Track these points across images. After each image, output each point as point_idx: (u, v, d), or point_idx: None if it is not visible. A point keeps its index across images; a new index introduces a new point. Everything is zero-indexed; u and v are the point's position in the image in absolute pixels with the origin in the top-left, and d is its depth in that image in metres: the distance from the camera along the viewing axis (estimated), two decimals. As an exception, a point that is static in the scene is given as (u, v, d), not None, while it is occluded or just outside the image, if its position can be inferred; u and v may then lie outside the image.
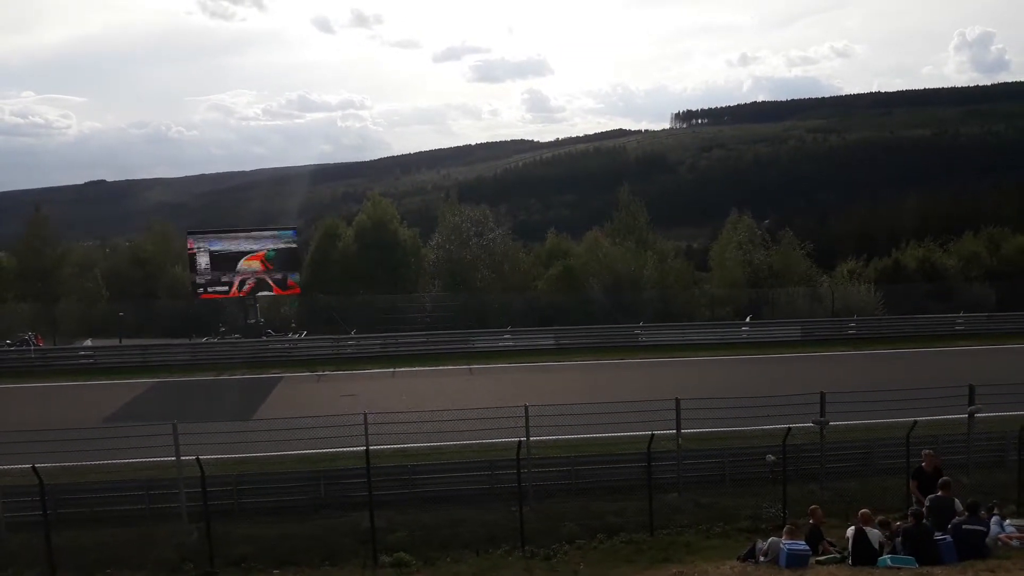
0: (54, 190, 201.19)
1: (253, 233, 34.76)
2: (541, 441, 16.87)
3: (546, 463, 17.03)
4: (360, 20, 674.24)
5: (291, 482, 16.78)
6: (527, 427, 15.83)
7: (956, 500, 12.63)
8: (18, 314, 37.49)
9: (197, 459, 13.89)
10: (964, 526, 11.96)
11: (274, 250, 34.07)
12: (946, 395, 16.30)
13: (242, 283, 33.76)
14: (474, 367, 29.28)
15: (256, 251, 33.85)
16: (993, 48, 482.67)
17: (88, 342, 34.63)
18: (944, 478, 13.12)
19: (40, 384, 27.79)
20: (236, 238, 34.14)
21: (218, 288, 33.94)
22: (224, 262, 33.70)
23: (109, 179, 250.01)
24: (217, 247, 33.73)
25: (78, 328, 38.02)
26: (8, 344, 32.95)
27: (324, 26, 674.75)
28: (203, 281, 33.82)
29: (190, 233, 35.04)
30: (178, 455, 14.92)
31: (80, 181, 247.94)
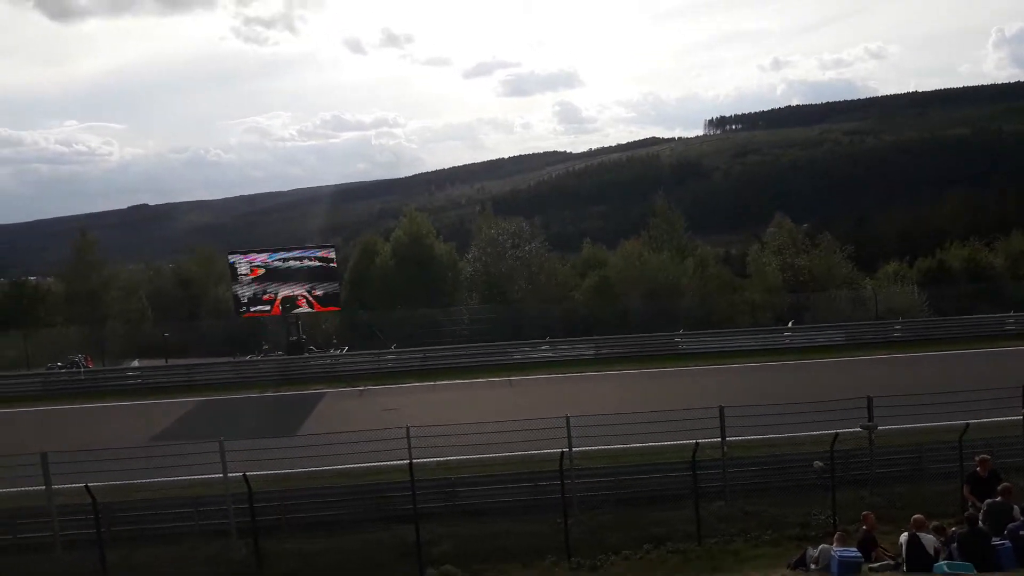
0: (99, 215, 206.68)
1: (292, 251, 35.22)
2: (584, 452, 16.74)
3: (589, 473, 16.92)
4: (391, 40, 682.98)
5: (336, 497, 16.87)
6: (569, 438, 15.75)
7: (1015, 507, 12.27)
8: (67, 337, 38.36)
9: (244, 475, 14.09)
10: (1022, 532, 11.62)
11: (313, 266, 34.44)
12: (998, 396, 15.88)
13: (284, 301, 34.18)
14: (514, 379, 29.24)
15: (296, 268, 34.27)
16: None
17: (135, 362, 35.27)
18: (1005, 484, 12.75)
19: (90, 404, 28.35)
20: (276, 256, 34.59)
21: (260, 307, 34.41)
22: (265, 281, 34.17)
23: (151, 203, 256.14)
24: (258, 266, 34.21)
25: (125, 349, 38.74)
26: (59, 366, 33.72)
27: (355, 47, 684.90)
28: (245, 300, 34.32)
29: (231, 253, 35.58)
30: (225, 472, 15.12)
31: (124, 206, 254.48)
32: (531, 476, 16.68)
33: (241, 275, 34.20)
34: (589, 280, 43.14)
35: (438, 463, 17.52)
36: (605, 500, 16.60)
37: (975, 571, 10.94)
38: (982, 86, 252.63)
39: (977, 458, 13.93)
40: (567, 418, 15.81)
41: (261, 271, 34.21)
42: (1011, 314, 34.02)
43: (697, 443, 14.84)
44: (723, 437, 16.15)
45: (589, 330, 35.50)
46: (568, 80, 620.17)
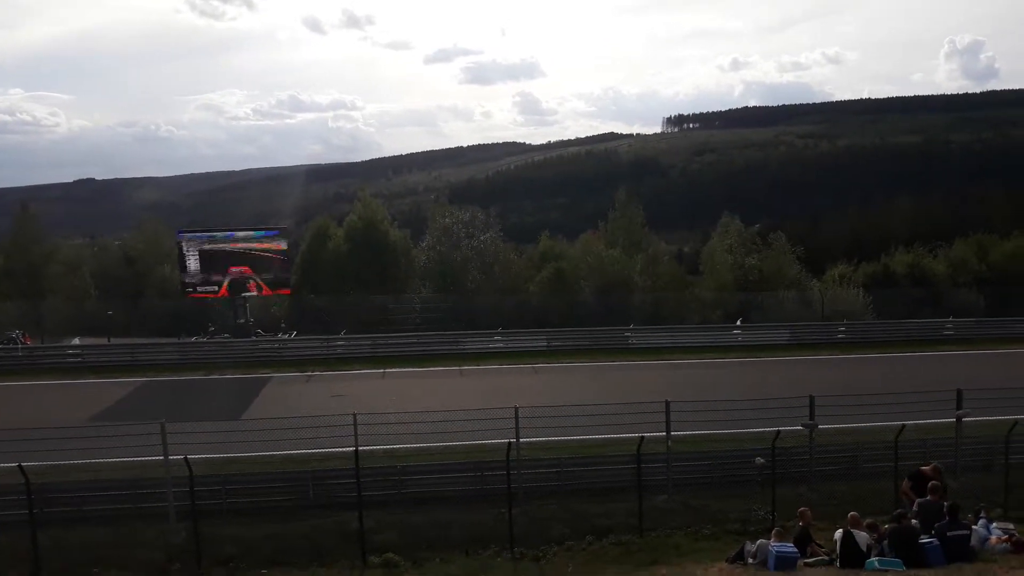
0: (43, 188, 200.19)
1: (243, 232, 34.61)
2: (531, 443, 16.81)
3: (535, 465, 16.98)
4: (351, 21, 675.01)
5: (279, 482, 16.69)
6: (517, 428, 15.77)
7: (945, 504, 12.64)
8: (5, 312, 37.20)
9: (185, 459, 13.83)
10: (948, 532, 11.98)
11: (264, 249, 33.90)
12: (935, 399, 16.30)
13: (231, 283, 33.58)
14: (464, 368, 29.22)
15: (246, 250, 33.68)
16: (983, 56, 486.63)
17: (76, 340, 34.42)
18: (933, 482, 13.13)
19: (27, 382, 27.59)
20: (225, 237, 33.96)
21: (207, 288, 33.77)
22: (213, 262, 33.54)
23: (98, 177, 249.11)
24: (207, 246, 33.56)
25: (66, 326, 37.77)
26: (-5, 342, 32.71)
27: (315, 26, 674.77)
28: (192, 280, 33.65)
29: (180, 232, 34.88)
30: (166, 454, 14.83)
31: (69, 179, 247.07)
32: (477, 466, 16.70)
33: (188, 255, 33.49)
34: (544, 272, 43.24)
35: (385, 451, 17.42)
36: (550, 491, 16.70)
37: (904, 567, 11.27)
38: (933, 95, 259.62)
39: (933, 465, 14.13)
40: (515, 409, 15.83)
41: (210, 251, 33.55)
42: (950, 319, 35.08)
43: (642, 437, 15.01)
44: (668, 432, 16.32)
45: (542, 322, 35.62)
46: (530, 71, 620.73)
